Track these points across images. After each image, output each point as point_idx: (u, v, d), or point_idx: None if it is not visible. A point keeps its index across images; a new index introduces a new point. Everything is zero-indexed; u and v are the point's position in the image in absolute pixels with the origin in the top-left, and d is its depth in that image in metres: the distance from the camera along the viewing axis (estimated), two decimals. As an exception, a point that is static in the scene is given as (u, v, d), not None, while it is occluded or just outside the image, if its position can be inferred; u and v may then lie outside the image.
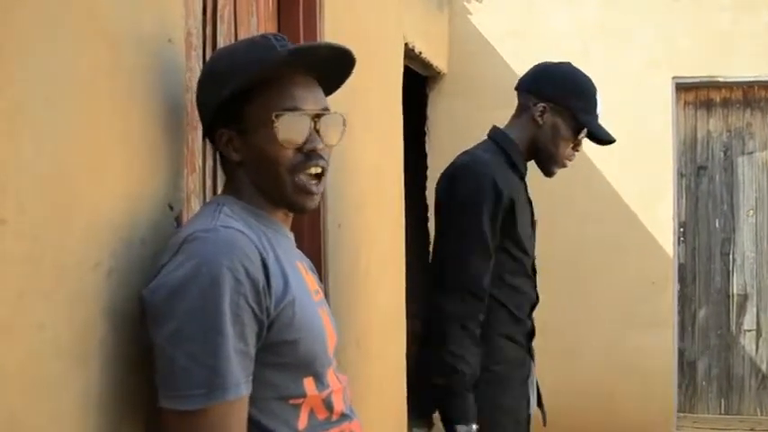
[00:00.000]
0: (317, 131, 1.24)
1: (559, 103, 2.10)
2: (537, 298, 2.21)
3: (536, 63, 2.25)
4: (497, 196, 2.01)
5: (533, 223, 2.22)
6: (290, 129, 1.21)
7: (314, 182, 1.25)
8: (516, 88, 2.20)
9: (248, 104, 1.23)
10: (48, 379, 0.99)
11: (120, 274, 1.14)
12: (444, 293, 2.00)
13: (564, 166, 2.18)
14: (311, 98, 1.25)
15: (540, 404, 2.22)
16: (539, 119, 2.12)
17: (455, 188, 2.07)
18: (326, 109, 1.27)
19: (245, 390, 1.10)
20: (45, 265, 0.98)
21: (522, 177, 2.17)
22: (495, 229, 2.02)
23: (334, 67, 1.32)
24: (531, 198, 2.22)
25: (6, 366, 0.91)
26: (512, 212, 2.05)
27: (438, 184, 2.18)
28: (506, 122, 2.21)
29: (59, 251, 1.01)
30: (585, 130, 2.12)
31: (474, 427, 1.95)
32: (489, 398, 2.01)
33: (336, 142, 1.29)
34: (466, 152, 2.17)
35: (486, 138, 2.21)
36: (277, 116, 1.20)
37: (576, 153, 2.18)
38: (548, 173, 2.20)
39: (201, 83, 1.28)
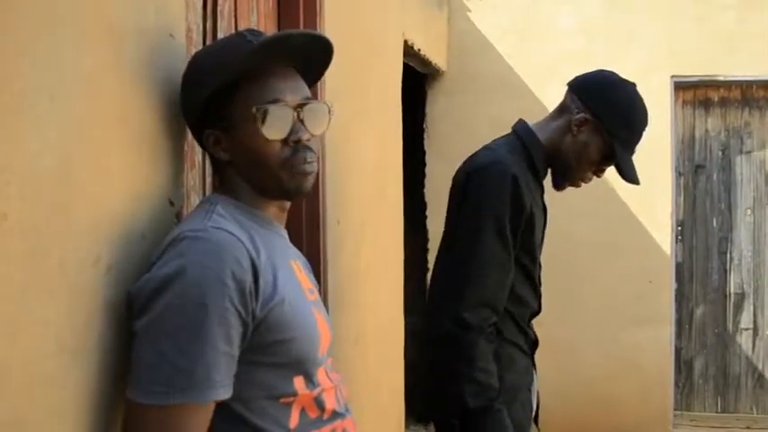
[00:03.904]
0: (302, 122, 1.22)
1: (604, 124, 1.90)
2: (539, 309, 2.07)
3: (600, 69, 2.02)
4: (520, 205, 1.84)
5: (543, 232, 2.08)
6: (273, 121, 1.20)
7: (307, 164, 1.23)
8: (568, 84, 1.99)
9: (230, 102, 1.22)
10: (49, 375, 0.99)
11: (120, 269, 1.14)
12: (465, 305, 1.80)
13: (576, 185, 2.01)
14: (292, 89, 1.24)
15: (536, 415, 2.12)
16: (575, 128, 1.92)
17: (474, 190, 1.87)
18: (308, 98, 1.26)
19: (217, 393, 1.09)
20: (47, 261, 0.98)
21: (540, 180, 2.01)
22: (516, 240, 1.86)
23: (313, 55, 1.31)
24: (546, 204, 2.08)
25: (10, 363, 0.91)
26: (531, 224, 1.89)
27: (456, 178, 1.97)
28: (541, 118, 2.03)
29: (61, 247, 1.01)
30: (613, 161, 1.94)
31: None
32: None
33: (322, 131, 1.27)
34: (488, 148, 1.97)
35: (510, 131, 2.02)
36: (258, 109, 1.19)
37: (595, 178, 2.00)
38: (558, 186, 2.03)
39: (183, 86, 1.27)
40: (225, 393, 1.11)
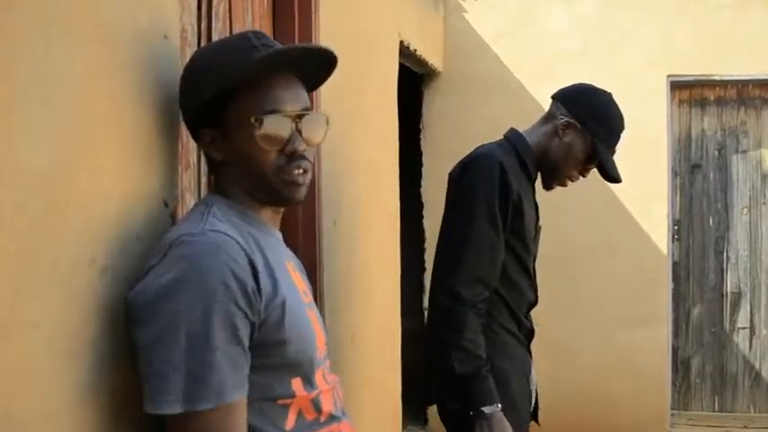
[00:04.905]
0: (299, 132, 1.23)
1: (585, 125, 2.11)
2: (536, 300, 2.23)
3: (580, 82, 2.24)
4: (507, 191, 2.03)
5: (537, 228, 2.23)
6: (271, 132, 1.20)
7: (299, 174, 1.24)
8: (552, 96, 2.21)
9: (228, 106, 1.22)
10: (42, 377, 0.99)
11: (115, 271, 1.13)
12: (460, 282, 1.99)
13: (564, 185, 2.21)
14: (291, 98, 1.24)
15: (535, 404, 2.23)
16: (560, 131, 2.13)
17: (466, 179, 2.08)
18: (307, 108, 1.26)
19: (233, 396, 1.09)
20: (41, 263, 0.98)
21: (532, 181, 2.19)
22: (505, 223, 2.04)
23: (316, 63, 1.31)
24: (538, 203, 2.23)
25: (2, 365, 0.91)
26: (519, 210, 2.07)
27: (451, 174, 2.18)
28: (529, 126, 2.22)
29: (55, 249, 1.01)
30: (597, 160, 2.14)
31: (499, 405, 1.95)
32: None
33: (319, 141, 1.28)
34: (482, 145, 2.18)
35: (502, 137, 2.22)
36: (257, 120, 1.20)
37: (581, 177, 2.20)
38: (546, 186, 2.23)
39: (182, 84, 1.27)
40: (237, 395, 1.10)
